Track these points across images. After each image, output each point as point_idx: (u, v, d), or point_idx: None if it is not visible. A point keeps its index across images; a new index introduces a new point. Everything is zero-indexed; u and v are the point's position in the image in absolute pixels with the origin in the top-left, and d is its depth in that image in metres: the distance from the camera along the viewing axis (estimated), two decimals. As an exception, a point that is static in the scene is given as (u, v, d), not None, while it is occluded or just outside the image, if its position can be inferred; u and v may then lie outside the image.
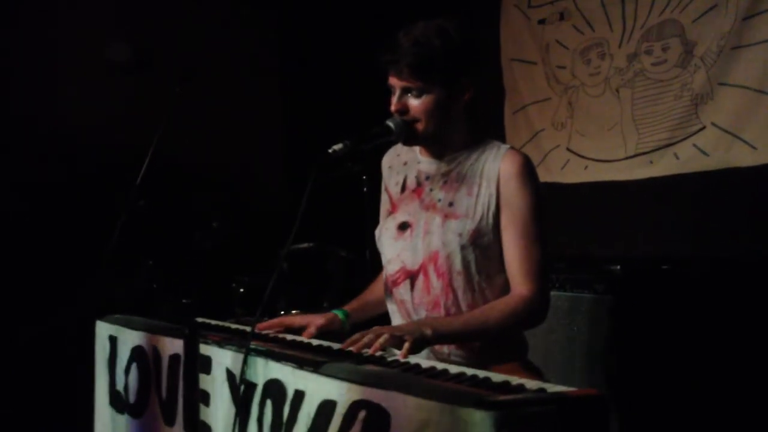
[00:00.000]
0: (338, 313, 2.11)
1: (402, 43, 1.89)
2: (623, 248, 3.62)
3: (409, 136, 1.96)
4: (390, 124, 1.93)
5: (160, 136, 2.37)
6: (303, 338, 1.98)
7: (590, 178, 3.85)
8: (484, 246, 1.94)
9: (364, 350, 1.69)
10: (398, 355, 1.67)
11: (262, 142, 4.75)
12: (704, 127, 3.41)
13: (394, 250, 2.05)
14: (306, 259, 3.68)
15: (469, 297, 1.97)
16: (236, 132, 4.43)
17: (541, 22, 4.12)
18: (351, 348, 1.70)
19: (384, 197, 2.21)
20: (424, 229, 1.99)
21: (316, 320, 2.04)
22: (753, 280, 3.07)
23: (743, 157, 3.28)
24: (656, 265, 3.31)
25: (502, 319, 1.87)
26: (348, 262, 3.73)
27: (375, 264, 3.65)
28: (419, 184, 2.07)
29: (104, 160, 3.61)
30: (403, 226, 2.04)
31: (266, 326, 2.07)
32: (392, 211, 2.12)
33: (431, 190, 2.03)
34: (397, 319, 2.10)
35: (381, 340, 1.67)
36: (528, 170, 1.95)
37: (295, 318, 2.10)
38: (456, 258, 1.94)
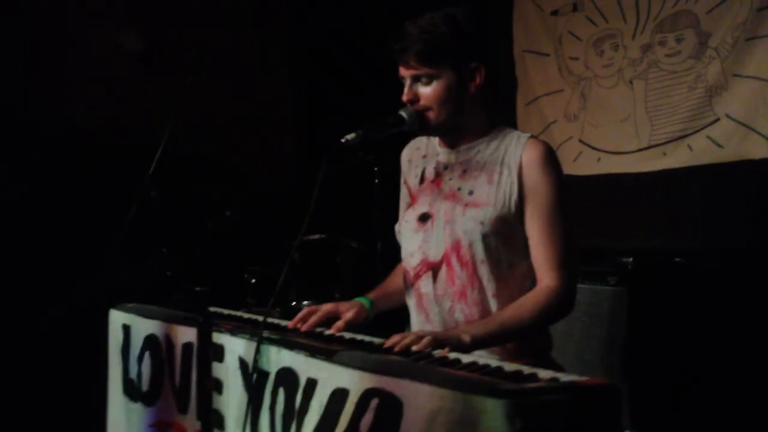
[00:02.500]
0: (363, 302, 2.06)
1: (409, 32, 1.90)
2: (636, 240, 3.61)
3: (422, 125, 1.95)
4: (403, 113, 1.93)
5: (172, 125, 2.37)
6: (315, 329, 1.96)
7: (603, 170, 3.84)
8: (506, 234, 1.93)
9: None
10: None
11: (274, 131, 4.75)
12: (718, 119, 3.39)
13: (416, 242, 2.03)
14: (317, 250, 3.68)
15: (494, 286, 1.94)
16: (248, 121, 4.43)
17: (554, 13, 4.10)
18: (391, 345, 1.65)
19: (403, 191, 2.19)
20: (444, 218, 1.98)
21: (346, 313, 1.97)
22: (766, 272, 3.06)
23: (757, 149, 3.26)
24: (669, 257, 3.30)
25: (535, 316, 1.85)
26: (359, 253, 3.74)
27: (385, 255, 3.67)
28: (438, 174, 2.05)
29: (116, 150, 3.62)
30: (424, 217, 2.03)
31: (297, 323, 1.95)
32: (412, 203, 2.11)
33: (450, 179, 2.02)
34: (416, 314, 2.07)
35: (425, 341, 1.62)
36: (551, 159, 1.94)
37: (325, 307, 1.99)
38: (479, 246, 1.92)
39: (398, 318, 2.21)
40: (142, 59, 4.02)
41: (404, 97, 1.94)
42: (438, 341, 1.65)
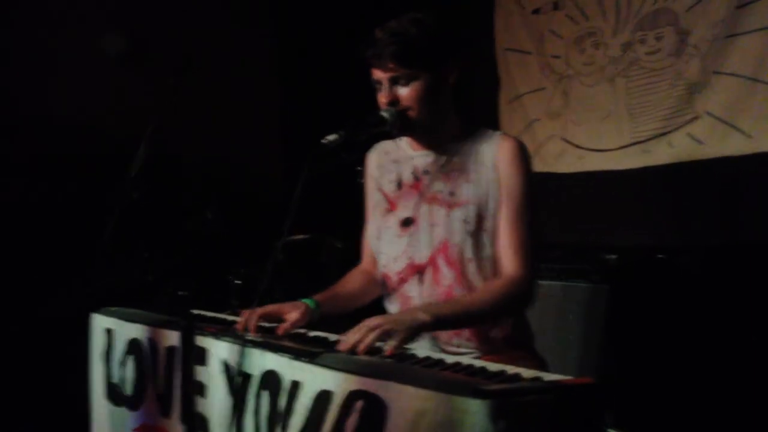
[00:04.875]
0: (308, 303, 2.04)
1: (380, 37, 1.93)
2: (619, 238, 3.62)
3: (403, 125, 1.96)
4: (384, 114, 1.94)
5: (155, 127, 2.36)
6: (299, 330, 1.97)
7: (585, 168, 3.85)
8: (489, 231, 1.97)
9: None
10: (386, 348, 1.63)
11: (258, 133, 4.74)
12: (699, 116, 3.41)
13: (399, 247, 2.04)
14: (301, 250, 3.68)
15: (481, 284, 1.97)
16: (232, 123, 4.41)
17: (536, 11, 4.11)
18: (341, 348, 1.65)
19: (377, 196, 2.17)
20: (429, 221, 2.00)
21: (292, 315, 1.96)
22: (748, 268, 3.08)
23: (738, 146, 3.28)
24: (652, 254, 3.32)
25: (497, 302, 1.88)
26: (343, 252, 3.73)
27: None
28: (417, 178, 2.07)
29: (98, 152, 3.60)
30: (407, 222, 2.04)
31: (245, 324, 1.94)
32: (391, 209, 2.11)
33: (430, 182, 2.04)
34: None
35: (367, 340, 1.62)
36: (522, 154, 1.98)
37: (268, 308, 1.98)
38: (466, 245, 1.96)
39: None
40: (125, 61, 4.00)
41: (383, 100, 1.96)
42: (386, 332, 1.64)
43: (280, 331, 1.92)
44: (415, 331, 1.71)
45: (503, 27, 4.26)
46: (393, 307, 2.10)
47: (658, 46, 3.55)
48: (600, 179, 3.78)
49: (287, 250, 3.57)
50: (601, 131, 3.80)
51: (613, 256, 3.14)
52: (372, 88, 2.01)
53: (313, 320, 2.03)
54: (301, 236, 3.61)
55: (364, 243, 2.28)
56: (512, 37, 4.20)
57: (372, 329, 1.66)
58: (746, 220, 3.22)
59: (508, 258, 1.95)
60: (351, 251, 3.67)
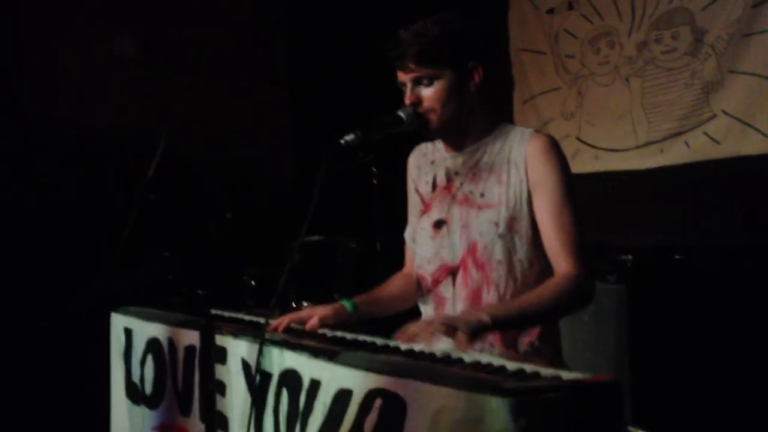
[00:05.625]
0: (346, 304, 2.06)
1: (404, 38, 1.92)
2: (635, 238, 3.61)
3: (422, 125, 1.96)
4: (401, 114, 1.93)
5: (170, 128, 2.37)
6: (322, 330, 1.96)
7: (600, 168, 3.84)
8: (521, 233, 1.94)
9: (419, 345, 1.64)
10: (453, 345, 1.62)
11: (273, 133, 4.76)
12: (715, 116, 3.40)
13: (432, 248, 2.05)
14: (317, 251, 3.69)
15: (512, 286, 1.95)
16: (246, 124, 4.43)
17: (550, 11, 4.11)
18: (400, 340, 1.66)
19: (415, 198, 2.19)
20: (460, 223, 2.00)
21: (320, 311, 1.99)
22: (765, 269, 3.06)
23: (754, 145, 3.26)
24: (668, 254, 3.30)
25: (556, 300, 1.85)
26: (358, 253, 3.74)
27: (384, 255, 3.67)
28: (449, 180, 2.07)
29: (115, 154, 3.62)
30: (439, 224, 2.04)
31: (275, 325, 1.97)
32: (425, 210, 2.11)
33: (461, 184, 2.03)
34: None
35: (432, 331, 1.62)
36: (554, 150, 1.95)
37: (302, 312, 2.02)
38: (495, 247, 1.94)
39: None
40: (136, 63, 4.02)
41: (407, 101, 1.95)
42: (450, 328, 1.64)
43: (308, 328, 1.92)
44: (480, 332, 1.69)
45: (517, 27, 4.26)
46: (428, 308, 2.10)
47: (674, 45, 3.54)
48: (615, 179, 3.77)
49: (303, 250, 3.58)
50: (616, 131, 3.79)
51: (629, 257, 3.13)
52: (397, 90, 2.00)
53: (349, 321, 2.04)
54: (316, 237, 3.62)
55: (406, 247, 2.27)
56: (527, 37, 4.20)
57: (441, 324, 1.65)
58: (763, 219, 3.20)
59: (560, 258, 1.90)
60: (365, 252, 3.69)
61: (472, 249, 1.97)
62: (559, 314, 1.96)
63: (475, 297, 1.97)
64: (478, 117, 2.02)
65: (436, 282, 2.05)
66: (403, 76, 1.95)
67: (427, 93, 1.93)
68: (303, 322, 1.99)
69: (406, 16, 2.01)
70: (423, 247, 2.08)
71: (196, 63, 2.33)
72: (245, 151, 4.41)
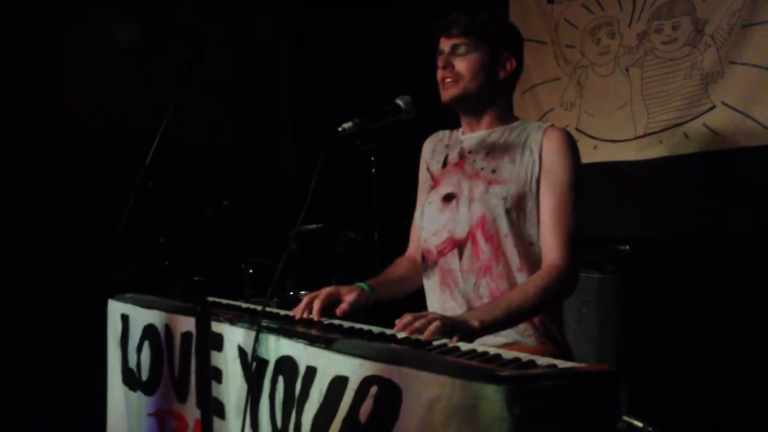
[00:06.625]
0: (363, 286, 2.09)
1: (455, 14, 2.08)
2: (632, 228, 3.61)
3: (445, 91, 2.06)
4: (399, 102, 1.95)
5: (169, 116, 2.37)
6: (312, 317, 1.96)
7: (599, 159, 3.84)
8: (527, 211, 2.01)
9: (415, 335, 1.64)
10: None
11: (272, 121, 4.75)
12: (714, 107, 3.39)
13: (440, 221, 2.10)
14: (314, 239, 3.68)
15: (518, 260, 2.00)
16: (245, 112, 4.43)
17: (551, 1, 4.09)
18: (403, 331, 1.66)
19: (425, 176, 2.26)
20: (468, 197, 2.05)
21: (350, 296, 2.00)
22: (763, 259, 3.07)
23: (753, 137, 3.26)
24: (666, 245, 3.31)
25: (540, 296, 1.88)
26: (356, 242, 3.74)
27: (383, 245, 3.67)
28: (462, 157, 2.14)
29: (114, 141, 3.62)
30: (448, 197, 2.10)
31: (306, 314, 1.96)
32: (434, 185, 2.18)
33: (474, 161, 2.10)
34: (438, 292, 2.10)
35: (432, 327, 1.63)
36: (569, 144, 2.04)
37: (323, 291, 1.99)
38: (502, 221, 1.99)
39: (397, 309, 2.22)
40: (137, 52, 4.01)
41: (439, 63, 2.07)
42: (447, 327, 1.66)
43: (338, 312, 1.96)
44: (468, 337, 1.71)
45: (518, 16, 4.24)
46: (432, 282, 2.13)
47: (674, 35, 3.53)
48: (614, 170, 3.77)
49: (301, 239, 3.58)
50: (615, 122, 3.78)
51: (627, 247, 3.13)
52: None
53: (367, 304, 2.07)
54: (314, 225, 3.62)
55: (412, 230, 2.32)
56: (527, 26, 4.18)
57: (434, 319, 1.66)
58: (762, 210, 3.20)
59: (550, 247, 1.97)
60: (364, 241, 3.69)
61: (481, 222, 2.01)
62: (542, 309, 1.99)
63: (487, 269, 2.01)
64: (498, 105, 2.12)
65: (441, 254, 2.09)
66: (444, 43, 2.08)
67: (461, 60, 2.05)
68: (332, 300, 1.99)
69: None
70: (430, 220, 2.13)
71: (198, 50, 2.33)
72: (245, 139, 4.41)
